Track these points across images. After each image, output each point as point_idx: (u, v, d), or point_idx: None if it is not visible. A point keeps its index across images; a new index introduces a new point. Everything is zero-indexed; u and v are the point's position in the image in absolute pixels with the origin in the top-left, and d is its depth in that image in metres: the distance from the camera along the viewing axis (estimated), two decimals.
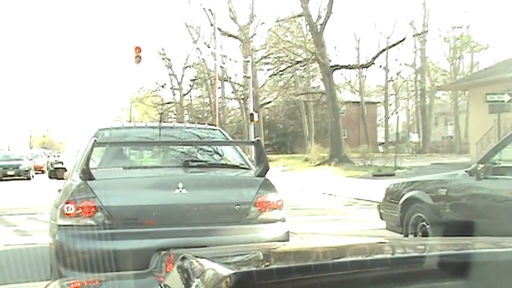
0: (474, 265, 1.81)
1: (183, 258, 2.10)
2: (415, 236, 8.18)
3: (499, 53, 79.11)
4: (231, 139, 8.84)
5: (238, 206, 5.73)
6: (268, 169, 6.01)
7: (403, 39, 48.08)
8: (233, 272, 1.70)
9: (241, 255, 2.38)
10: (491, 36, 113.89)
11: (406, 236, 8.31)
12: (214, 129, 8.13)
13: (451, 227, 7.39)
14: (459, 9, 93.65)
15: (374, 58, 45.39)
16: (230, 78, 57.51)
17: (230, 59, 46.52)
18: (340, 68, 47.27)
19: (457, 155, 48.98)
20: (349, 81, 74.74)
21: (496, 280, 1.86)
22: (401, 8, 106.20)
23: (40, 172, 40.37)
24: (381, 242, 2.75)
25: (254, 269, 1.92)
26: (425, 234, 8.00)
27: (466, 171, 7.68)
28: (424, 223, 8.10)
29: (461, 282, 1.80)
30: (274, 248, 2.78)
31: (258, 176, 6.01)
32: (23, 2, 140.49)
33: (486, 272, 1.84)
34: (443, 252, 2.09)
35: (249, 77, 37.67)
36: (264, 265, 2.08)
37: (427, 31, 60.45)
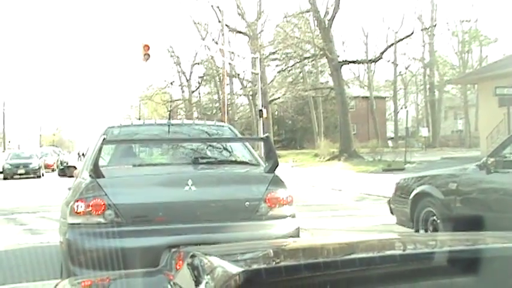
0: (485, 260, 1.79)
1: (193, 255, 2.10)
2: (426, 231, 8.16)
3: (507, 46, 78.78)
4: (240, 135, 8.83)
5: (248, 203, 5.72)
6: (277, 165, 6.00)
7: (411, 34, 47.81)
8: (242, 270, 1.70)
9: (250, 252, 2.37)
10: (500, 29, 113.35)
11: (417, 231, 8.29)
12: (223, 126, 8.12)
13: (461, 221, 7.36)
14: (467, 3, 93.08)
15: (382, 53, 45.30)
16: (238, 74, 57.49)
17: (238, 56, 46.58)
18: (348, 63, 47.15)
19: (467, 148, 48.80)
20: (358, 76, 74.64)
21: (507, 276, 1.84)
22: (409, 2, 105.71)
23: (50, 170, 40.55)
24: (390, 238, 2.73)
25: (263, 266, 1.92)
26: (436, 229, 7.98)
27: (476, 165, 7.65)
28: (434, 218, 8.08)
29: (471, 278, 1.79)
30: (284, 245, 2.77)
31: (267, 172, 6.00)
32: (32, 1, 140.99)
33: (497, 268, 1.82)
34: (453, 248, 2.07)
35: (258, 73, 37.66)
36: (272, 263, 2.08)
37: (435, 25, 60.19)
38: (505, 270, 1.84)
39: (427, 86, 67.73)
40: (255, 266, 1.93)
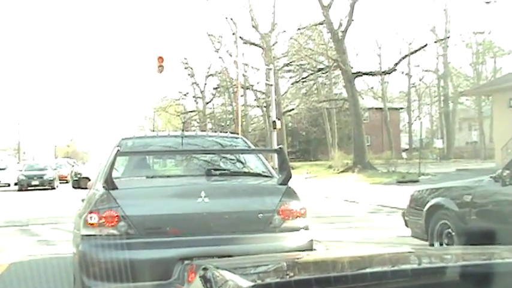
0: (498, 275, 1.77)
1: (205, 269, 2.09)
2: (441, 243, 8.10)
3: None
4: (253, 147, 8.82)
5: (261, 215, 5.70)
6: (290, 177, 5.98)
7: (425, 45, 47.68)
8: (252, 284, 1.70)
9: (262, 266, 2.37)
10: None
11: (432, 244, 8.23)
12: (236, 138, 8.12)
13: (477, 234, 7.30)
14: (480, 14, 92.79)
15: (396, 64, 45.14)
16: (252, 86, 57.54)
17: (252, 67, 46.62)
18: (362, 75, 47.03)
19: (482, 160, 48.50)
20: (372, 88, 74.42)
21: None
22: (423, 14, 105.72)
23: (64, 181, 40.66)
24: (402, 252, 2.71)
25: (273, 281, 1.91)
26: (451, 242, 7.92)
27: (491, 177, 7.60)
28: (449, 230, 8.02)
29: None
30: (295, 259, 2.76)
31: (280, 184, 5.98)
32: (44, 14, 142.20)
33: (510, 283, 1.80)
34: (466, 263, 2.05)
35: (271, 85, 37.68)
36: (283, 277, 2.07)
37: (448, 37, 60.08)
38: None
39: (441, 98, 67.56)
40: (265, 280, 1.93)
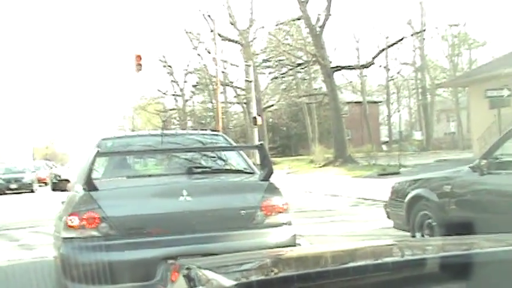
0: (478, 265, 1.79)
1: (188, 268, 2.09)
2: (422, 234, 8.16)
3: (496, 49, 79.10)
4: (234, 144, 8.82)
5: (243, 211, 5.71)
6: (272, 173, 6.00)
7: (402, 39, 47.88)
8: (234, 283, 1.70)
9: (245, 264, 2.38)
10: (488, 32, 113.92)
11: (413, 235, 8.29)
12: (217, 135, 8.13)
13: (457, 223, 7.36)
14: (455, 7, 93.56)
15: (374, 58, 45.27)
16: (232, 82, 57.51)
17: (231, 64, 46.56)
18: (340, 69, 47.13)
19: (460, 151, 48.81)
20: (351, 82, 74.57)
21: (501, 280, 1.84)
22: (399, 8, 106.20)
23: (43, 184, 40.21)
24: (383, 245, 2.73)
25: (255, 279, 1.92)
26: (432, 232, 7.98)
27: (469, 167, 7.67)
28: (430, 221, 8.08)
29: (465, 284, 1.78)
30: (278, 256, 2.77)
31: (262, 180, 6.00)
32: (22, 12, 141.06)
33: (491, 272, 1.82)
34: (446, 254, 2.08)
35: (251, 81, 37.72)
36: (265, 275, 2.08)
37: (424, 30, 60.34)
38: (498, 274, 1.84)
39: (419, 90, 67.97)
40: (248, 279, 1.94)
